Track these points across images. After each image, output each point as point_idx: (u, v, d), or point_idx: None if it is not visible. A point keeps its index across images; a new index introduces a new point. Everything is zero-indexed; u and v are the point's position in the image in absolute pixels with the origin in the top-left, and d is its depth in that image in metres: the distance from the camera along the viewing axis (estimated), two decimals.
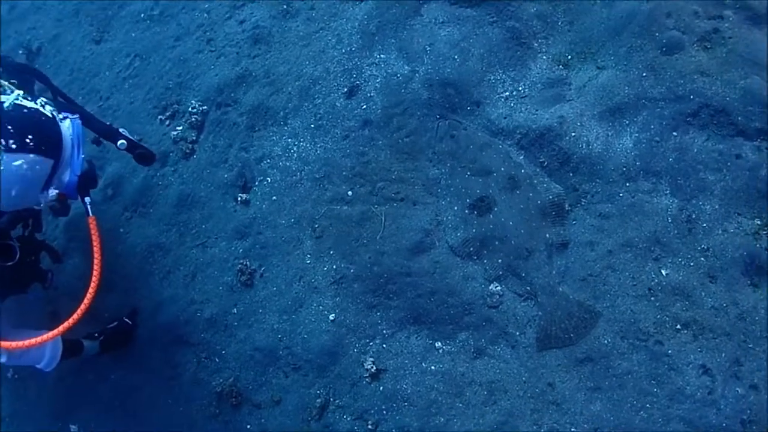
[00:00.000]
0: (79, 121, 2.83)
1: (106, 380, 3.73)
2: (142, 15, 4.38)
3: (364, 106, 3.56)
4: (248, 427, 3.37)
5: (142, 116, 4.07)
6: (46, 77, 3.20)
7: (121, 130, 3.06)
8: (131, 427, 3.64)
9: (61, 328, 2.72)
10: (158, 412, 3.59)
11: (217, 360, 3.51)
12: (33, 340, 2.72)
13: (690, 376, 2.83)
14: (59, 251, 3.57)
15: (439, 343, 3.18)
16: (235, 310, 3.53)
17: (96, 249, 2.82)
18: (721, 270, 2.96)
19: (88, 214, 2.87)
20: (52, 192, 2.69)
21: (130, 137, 3.07)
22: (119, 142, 3.01)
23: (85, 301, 2.74)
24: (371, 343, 3.25)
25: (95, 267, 2.80)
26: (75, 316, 2.73)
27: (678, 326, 2.91)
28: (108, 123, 3.09)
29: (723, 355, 2.84)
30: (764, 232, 2.96)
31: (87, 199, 2.87)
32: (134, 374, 3.67)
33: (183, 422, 3.51)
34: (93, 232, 2.83)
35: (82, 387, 3.80)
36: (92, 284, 2.77)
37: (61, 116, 2.78)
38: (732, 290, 2.93)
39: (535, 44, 3.50)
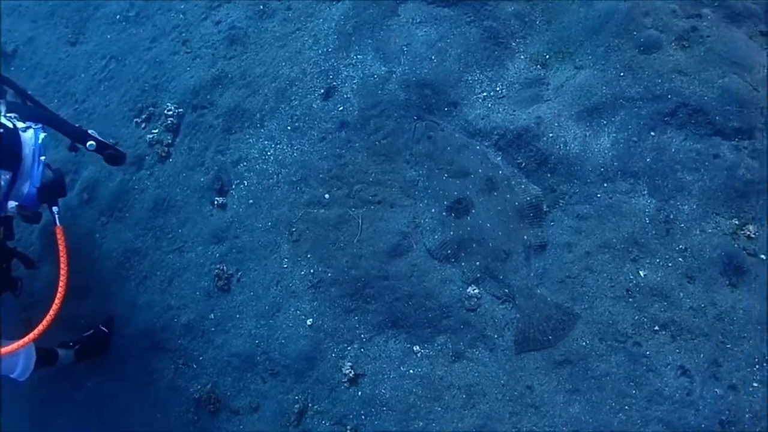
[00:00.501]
0: (42, 132, 2.79)
1: (83, 388, 3.69)
2: (118, 16, 4.32)
3: (341, 108, 3.53)
4: None
5: (118, 119, 4.02)
6: (12, 82, 3.14)
7: (90, 131, 3.02)
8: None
9: (26, 339, 2.67)
10: (136, 420, 3.55)
11: (194, 366, 3.47)
12: None
13: (668, 377, 2.82)
14: (33, 258, 3.51)
15: (418, 347, 3.15)
16: (212, 315, 3.49)
17: (62, 259, 2.77)
18: (699, 270, 2.95)
19: (56, 224, 2.83)
20: (11, 204, 2.65)
21: (100, 138, 3.02)
22: (88, 143, 2.97)
23: (51, 312, 2.69)
24: (349, 348, 3.22)
25: (61, 277, 2.76)
26: (40, 327, 2.68)
27: (656, 327, 2.90)
28: (77, 125, 3.04)
29: (701, 355, 2.83)
30: (742, 232, 2.96)
31: (55, 209, 2.83)
32: (110, 381, 3.63)
33: (161, 429, 3.46)
34: (60, 242, 2.78)
35: (59, 395, 3.75)
36: (58, 295, 2.72)
37: (23, 125, 2.73)
38: (710, 290, 2.92)
39: (513, 44, 3.48)
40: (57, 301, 2.71)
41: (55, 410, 3.75)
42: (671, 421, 2.76)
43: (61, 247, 2.79)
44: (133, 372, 3.59)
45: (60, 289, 2.73)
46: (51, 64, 4.46)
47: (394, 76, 3.50)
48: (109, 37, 4.31)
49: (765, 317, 2.83)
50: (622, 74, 3.24)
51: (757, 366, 2.78)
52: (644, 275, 2.98)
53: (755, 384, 2.75)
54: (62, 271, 2.75)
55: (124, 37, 4.24)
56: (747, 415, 2.72)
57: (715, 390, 2.77)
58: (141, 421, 3.53)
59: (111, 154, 3.05)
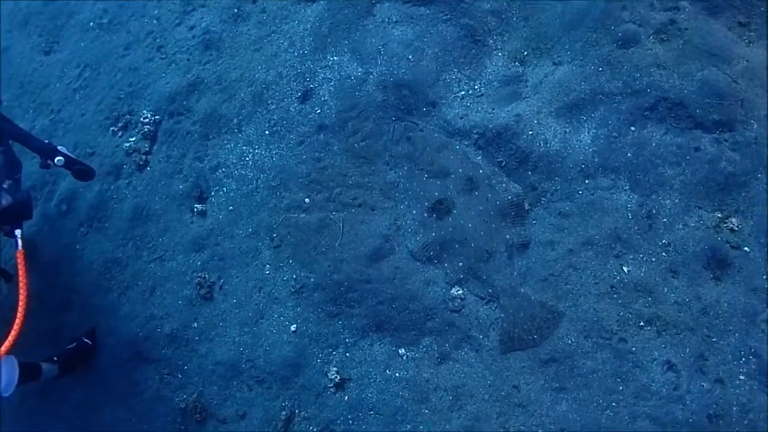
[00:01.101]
0: (1, 156, 2.75)
1: (68, 400, 3.65)
2: (92, 24, 4.28)
3: (319, 111, 3.50)
4: None
5: (94, 128, 3.98)
6: None
7: (59, 147, 2.98)
8: None
9: None
10: (121, 431, 3.51)
11: (179, 376, 3.44)
12: None
13: (655, 372, 2.80)
14: (9, 271, 3.46)
15: (403, 350, 3.13)
16: (195, 324, 3.45)
17: (22, 283, 2.73)
18: (683, 264, 2.93)
19: (17, 248, 2.79)
20: None
21: (68, 154, 3.00)
22: (57, 159, 2.94)
23: (9, 338, 2.65)
24: (334, 353, 3.19)
25: (21, 302, 2.71)
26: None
27: (641, 323, 2.88)
28: (47, 141, 3.00)
29: (687, 350, 2.81)
30: (725, 225, 2.94)
31: (17, 232, 2.79)
32: (95, 393, 3.59)
33: None
34: (20, 266, 2.74)
35: (46, 408, 3.71)
36: (17, 320, 2.68)
37: None
38: (694, 284, 2.90)
39: (491, 41, 3.45)
40: (16, 326, 2.67)
41: (43, 422, 3.71)
42: (659, 416, 2.74)
43: (21, 272, 2.74)
44: (118, 383, 3.56)
45: (19, 314, 2.69)
46: (26, 74, 4.42)
47: (371, 77, 3.47)
48: (82, 45, 4.26)
49: (750, 310, 2.82)
50: (600, 69, 3.21)
51: (743, 359, 2.76)
52: (628, 271, 2.96)
53: (742, 377, 2.74)
54: (21, 296, 2.71)
55: (98, 45, 4.20)
56: (734, 408, 2.70)
57: (702, 384, 2.76)
58: None
59: (80, 170, 3.03)
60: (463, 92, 3.39)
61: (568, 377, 2.88)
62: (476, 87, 3.38)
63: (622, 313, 2.91)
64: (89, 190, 3.85)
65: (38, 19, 4.52)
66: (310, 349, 3.21)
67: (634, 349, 2.84)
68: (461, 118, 3.33)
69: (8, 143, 3.14)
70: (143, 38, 4.06)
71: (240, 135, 3.64)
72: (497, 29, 3.45)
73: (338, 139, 3.43)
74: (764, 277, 2.84)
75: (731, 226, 2.93)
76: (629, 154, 3.10)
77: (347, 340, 3.19)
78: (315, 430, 3.13)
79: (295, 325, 3.25)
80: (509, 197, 3.15)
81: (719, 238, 2.93)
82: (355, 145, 3.41)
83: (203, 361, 3.39)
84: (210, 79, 3.77)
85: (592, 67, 3.23)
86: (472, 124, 3.30)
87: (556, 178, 3.16)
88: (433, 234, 3.18)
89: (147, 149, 3.80)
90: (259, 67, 3.69)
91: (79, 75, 4.18)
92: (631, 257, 2.98)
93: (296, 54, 3.63)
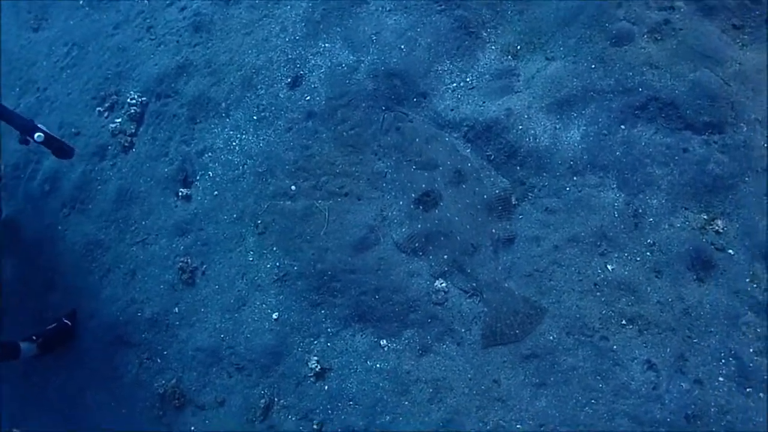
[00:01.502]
0: None
1: (50, 383, 3.63)
2: (81, 1, 4.22)
3: (308, 98, 3.46)
4: (192, 428, 3.29)
5: (80, 107, 3.93)
6: None
7: (39, 125, 2.95)
8: (79, 429, 3.55)
9: None
10: (102, 415, 3.50)
11: (159, 361, 3.41)
12: None
13: (635, 371, 2.81)
14: None
15: (385, 341, 3.11)
16: (176, 309, 3.43)
17: None
18: (667, 265, 2.93)
19: None
20: None
21: (48, 131, 2.96)
22: (36, 135, 2.91)
23: None
24: (316, 342, 3.17)
25: None
26: None
27: (623, 321, 2.88)
28: (29, 118, 2.97)
29: (668, 350, 2.82)
30: (711, 227, 2.94)
31: None
32: (77, 377, 3.58)
33: (127, 424, 3.41)
34: None
35: (33, 394, 3.70)
36: None
37: None
38: (677, 285, 2.90)
39: (484, 34, 3.42)
40: None
41: (30, 408, 3.70)
42: (637, 414, 2.75)
43: None
44: (98, 367, 3.54)
45: None
46: (13, 51, 4.36)
47: (362, 65, 3.44)
48: (71, 23, 4.20)
49: (732, 312, 2.82)
50: (593, 66, 3.20)
51: (722, 360, 2.77)
52: (612, 269, 2.96)
53: (721, 378, 2.75)
54: None
55: (87, 23, 4.14)
56: (712, 410, 2.71)
57: (681, 384, 2.77)
58: (107, 417, 3.48)
59: (59, 147, 3.01)
60: (454, 84, 3.37)
61: (549, 373, 2.88)
62: (468, 79, 3.36)
63: (604, 311, 2.91)
64: (73, 170, 3.81)
65: None
66: (291, 338, 3.19)
67: (615, 347, 2.85)
68: (452, 110, 3.31)
69: None
70: (133, 18, 4.01)
71: (228, 119, 3.60)
72: (491, 22, 3.43)
73: (327, 126, 3.40)
74: (747, 279, 2.84)
75: (717, 228, 2.93)
76: (618, 153, 3.09)
77: (329, 329, 3.18)
78: (294, 418, 3.12)
79: (277, 313, 3.23)
80: (497, 191, 3.13)
81: (704, 240, 2.93)
82: (344, 133, 3.39)
83: (183, 346, 3.37)
84: (199, 61, 3.73)
85: (585, 64, 3.21)
86: (463, 116, 3.28)
87: (544, 174, 3.14)
88: (419, 226, 3.16)
89: (133, 131, 3.76)
90: (250, 52, 3.65)
91: (66, 53, 4.12)
92: (616, 255, 2.98)
93: (287, 39, 3.59)
